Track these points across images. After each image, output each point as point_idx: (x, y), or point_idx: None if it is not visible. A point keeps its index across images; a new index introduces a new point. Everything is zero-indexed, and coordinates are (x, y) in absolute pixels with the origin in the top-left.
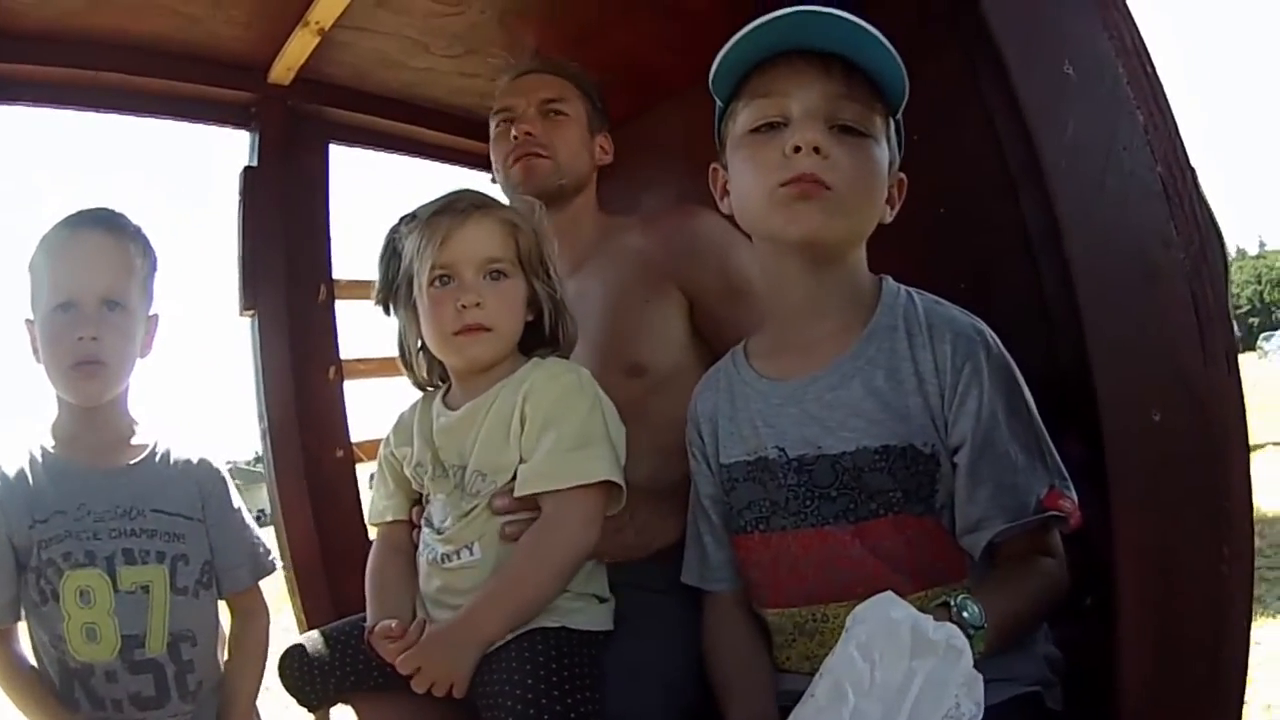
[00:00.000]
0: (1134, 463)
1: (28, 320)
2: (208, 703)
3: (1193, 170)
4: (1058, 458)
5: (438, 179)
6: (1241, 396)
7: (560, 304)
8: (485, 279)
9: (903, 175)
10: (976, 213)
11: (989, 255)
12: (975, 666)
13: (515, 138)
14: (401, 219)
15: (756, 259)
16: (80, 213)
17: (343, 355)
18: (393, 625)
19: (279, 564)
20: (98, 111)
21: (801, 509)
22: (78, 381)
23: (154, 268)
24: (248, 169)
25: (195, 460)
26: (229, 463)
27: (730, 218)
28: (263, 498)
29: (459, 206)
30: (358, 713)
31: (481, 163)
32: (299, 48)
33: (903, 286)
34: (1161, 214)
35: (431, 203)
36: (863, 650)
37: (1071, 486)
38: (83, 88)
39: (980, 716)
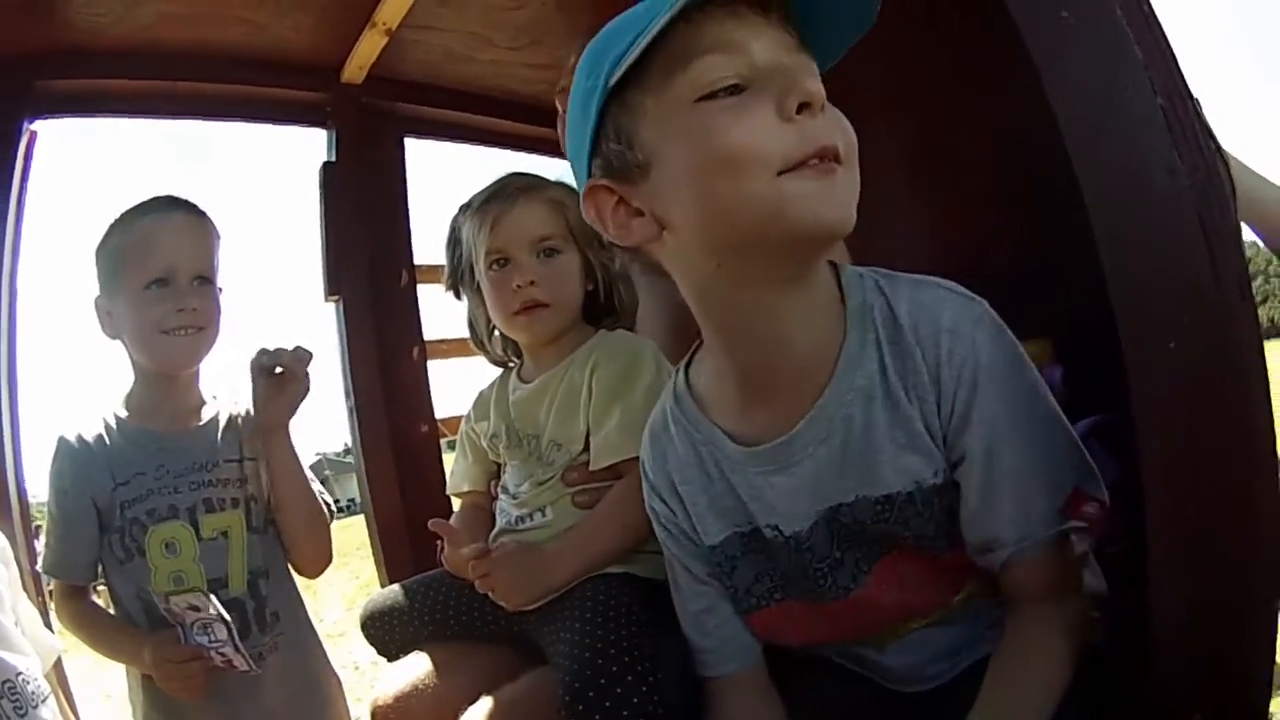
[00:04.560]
0: (1155, 393)
1: (97, 299)
2: (290, 633)
3: (1194, 99)
4: (1083, 452)
5: (520, 166)
6: (1256, 320)
7: (614, 273)
8: (538, 257)
9: None
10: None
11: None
12: None
13: None
14: (460, 207)
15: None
16: (155, 199)
17: (426, 336)
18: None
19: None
20: (179, 119)
21: (815, 586)
22: (173, 346)
23: (220, 246)
24: (326, 164)
25: (249, 408)
26: (319, 454)
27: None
28: (352, 487)
29: (506, 191)
30: (433, 660)
31: (554, 148)
32: (368, 48)
33: (866, 273)
34: (1164, 144)
35: (484, 190)
36: None
37: (1099, 481)
38: (163, 97)
39: None
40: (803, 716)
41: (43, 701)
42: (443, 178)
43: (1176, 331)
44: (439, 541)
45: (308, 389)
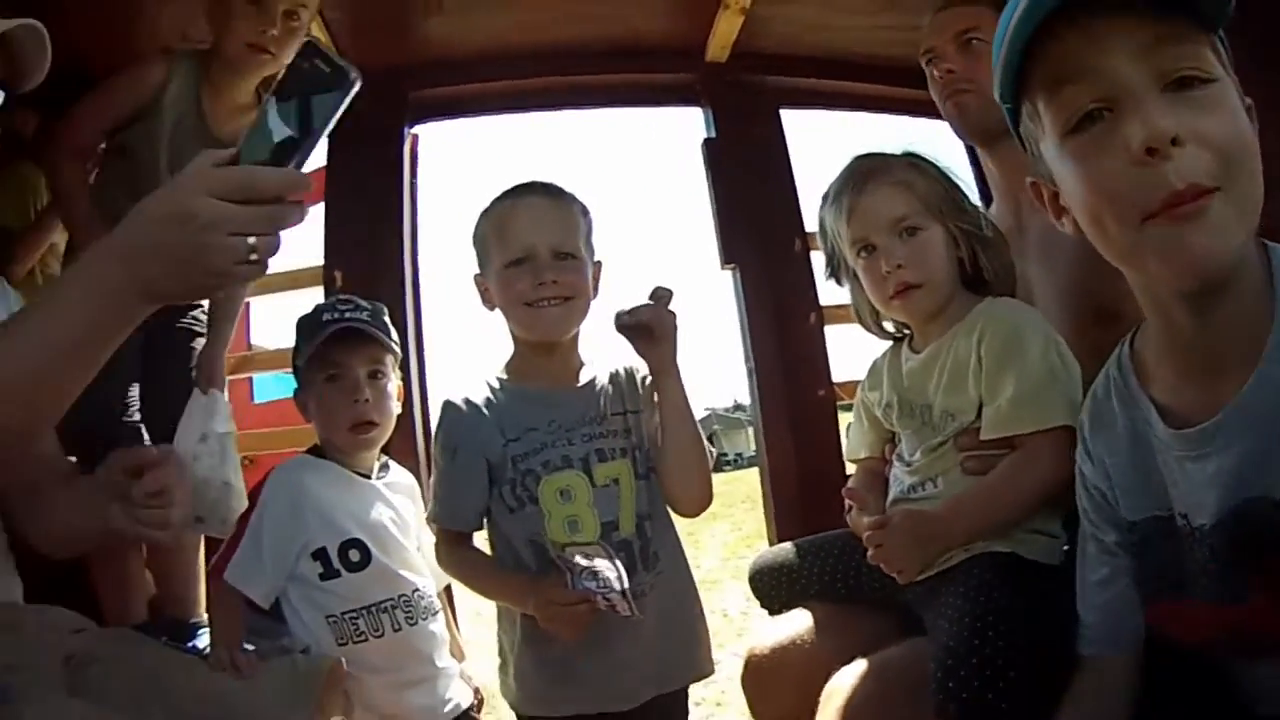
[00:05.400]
0: None
1: (475, 277)
2: (668, 573)
3: None
4: None
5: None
6: None
7: (978, 238)
8: (900, 238)
9: (1248, 99)
10: None
11: None
12: None
13: (939, 78)
14: (821, 198)
15: None
16: (516, 185)
17: (822, 302)
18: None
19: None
20: (558, 110)
21: (1210, 586)
22: (540, 317)
23: (591, 223)
24: (707, 140)
25: (626, 365)
26: (708, 409)
27: None
28: (740, 442)
29: (854, 179)
30: (814, 617)
31: (926, 109)
32: (726, 28)
33: None
34: None
35: (836, 179)
36: None
37: None
38: (532, 93)
39: None
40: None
41: (433, 615)
42: (831, 143)
43: None
44: (849, 504)
45: (674, 323)
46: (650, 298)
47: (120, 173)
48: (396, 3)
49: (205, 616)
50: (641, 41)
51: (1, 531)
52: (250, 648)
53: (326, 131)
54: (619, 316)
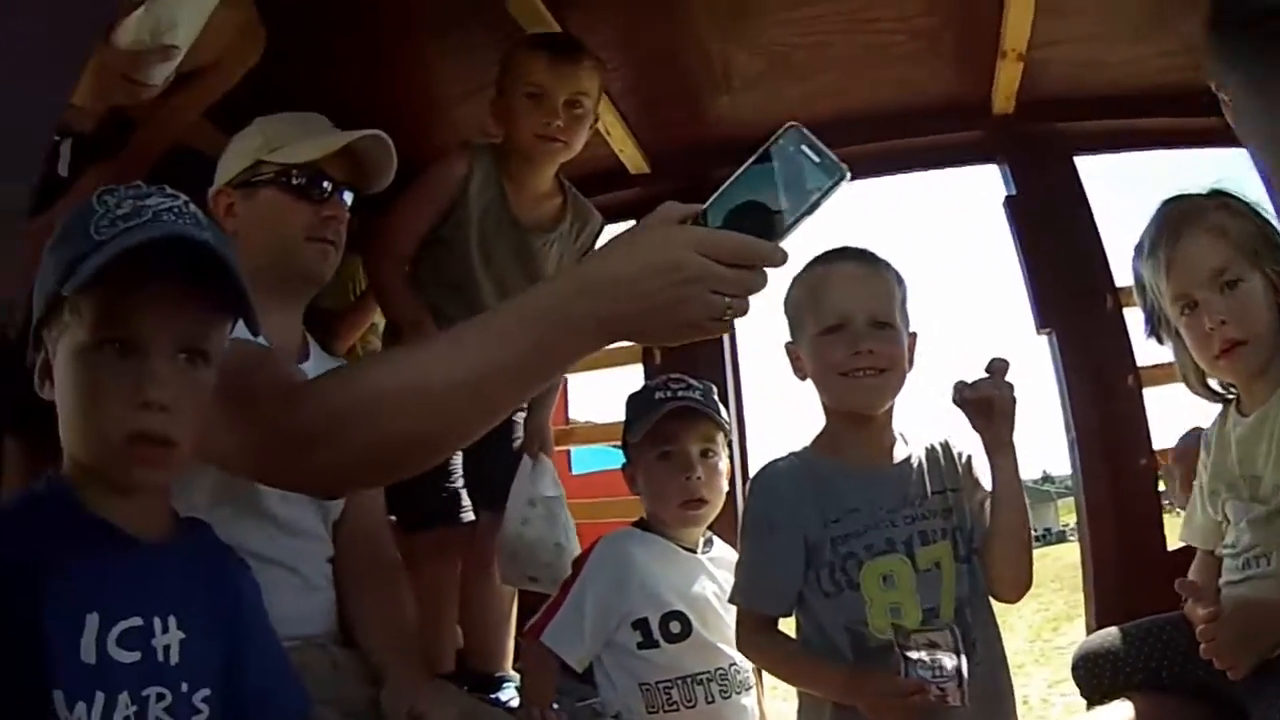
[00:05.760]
0: None
1: (787, 345)
2: (986, 663)
3: None
4: None
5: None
6: None
7: None
8: (1220, 293)
9: None
10: None
11: None
12: None
13: (1229, 102)
14: (1134, 249)
15: None
16: (828, 251)
17: (1138, 362)
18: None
19: None
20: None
21: None
22: (856, 388)
23: (906, 292)
24: (1009, 198)
25: (941, 440)
26: None
27: None
28: (1048, 516)
29: (1168, 229)
30: (1135, 710)
31: (1219, 137)
32: (1007, 78)
33: None
34: None
35: (1146, 229)
36: None
37: None
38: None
39: None
40: None
41: (747, 690)
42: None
43: None
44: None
45: (1013, 397)
46: (986, 370)
47: (436, 257)
48: (687, 84)
49: (511, 671)
50: (931, 102)
51: (332, 580)
52: (556, 706)
53: (813, 214)
54: (960, 390)
